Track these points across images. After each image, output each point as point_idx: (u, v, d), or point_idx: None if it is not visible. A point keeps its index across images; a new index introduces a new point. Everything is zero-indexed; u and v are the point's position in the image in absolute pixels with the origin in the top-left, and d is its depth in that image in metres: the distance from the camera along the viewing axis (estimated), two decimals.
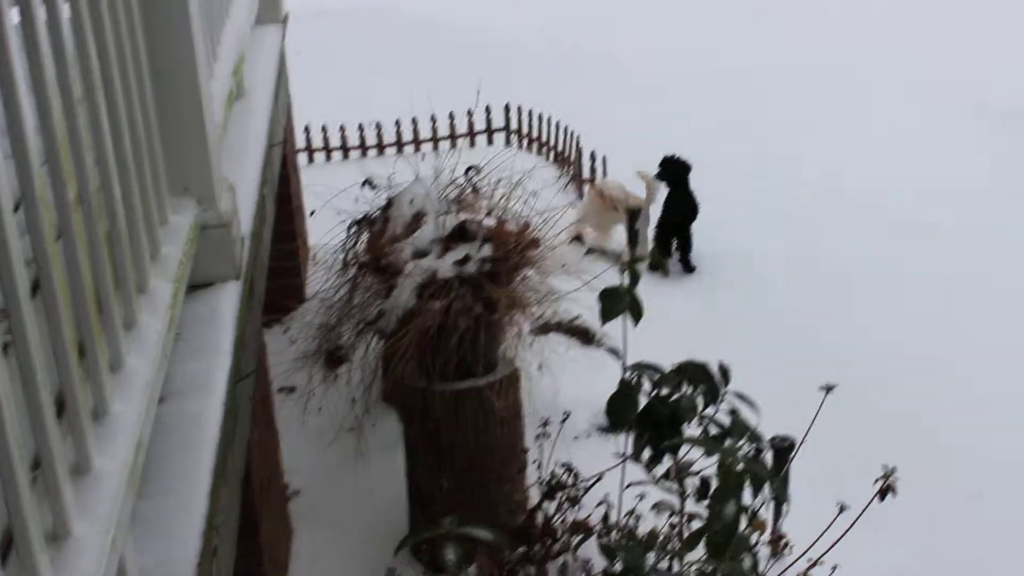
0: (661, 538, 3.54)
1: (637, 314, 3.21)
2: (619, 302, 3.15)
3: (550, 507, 4.76)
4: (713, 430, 3.29)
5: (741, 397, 3.27)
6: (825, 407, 4.60)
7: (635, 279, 3.25)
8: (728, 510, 2.88)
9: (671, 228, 10.84)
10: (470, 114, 12.85)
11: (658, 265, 8.85)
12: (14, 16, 2.14)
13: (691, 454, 3.29)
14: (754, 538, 3.50)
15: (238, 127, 5.14)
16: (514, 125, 13.14)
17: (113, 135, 2.88)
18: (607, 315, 3.18)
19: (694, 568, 3.28)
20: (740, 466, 2.93)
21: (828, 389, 4.35)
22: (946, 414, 8.15)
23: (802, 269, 10.63)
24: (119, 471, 2.46)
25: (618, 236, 11.03)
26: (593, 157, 11.60)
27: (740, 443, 3.08)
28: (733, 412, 3.24)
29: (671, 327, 7.75)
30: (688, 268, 10.75)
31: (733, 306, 10.00)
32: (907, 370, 8.74)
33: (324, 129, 12.78)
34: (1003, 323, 9.67)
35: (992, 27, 17.81)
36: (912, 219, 11.52)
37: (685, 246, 10.78)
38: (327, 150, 12.90)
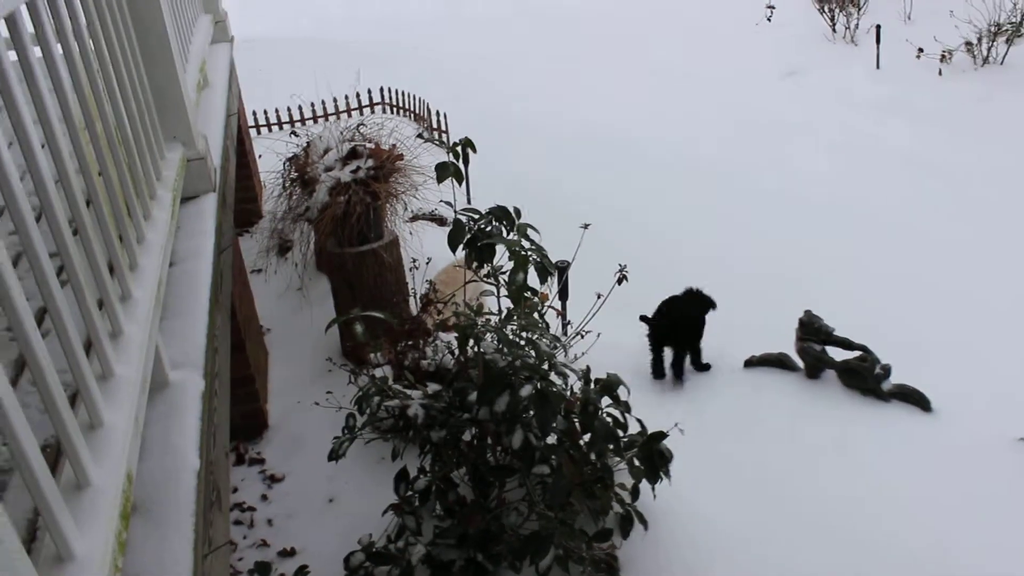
0: (495, 316, 3.63)
1: (459, 178, 3.33)
2: (446, 171, 3.27)
3: (425, 316, 4.90)
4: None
5: (529, 226, 3.40)
6: (588, 243, 4.79)
7: (456, 155, 3.36)
8: (518, 277, 3.04)
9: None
10: (358, 95, 12.76)
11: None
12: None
13: (503, 263, 3.41)
14: (543, 307, 3.67)
15: (206, 103, 5.16)
16: (388, 100, 13.03)
17: (126, 108, 2.92)
18: (440, 178, 3.28)
19: (510, 329, 3.43)
20: (523, 252, 3.07)
21: (585, 227, 4.54)
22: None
23: (561, 160, 10.68)
24: (148, 297, 2.54)
25: None
26: (438, 114, 11.53)
27: (519, 239, 3.21)
28: (525, 235, 3.36)
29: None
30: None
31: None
32: (634, 226, 8.97)
33: (265, 112, 12.60)
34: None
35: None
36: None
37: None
38: (268, 125, 12.71)
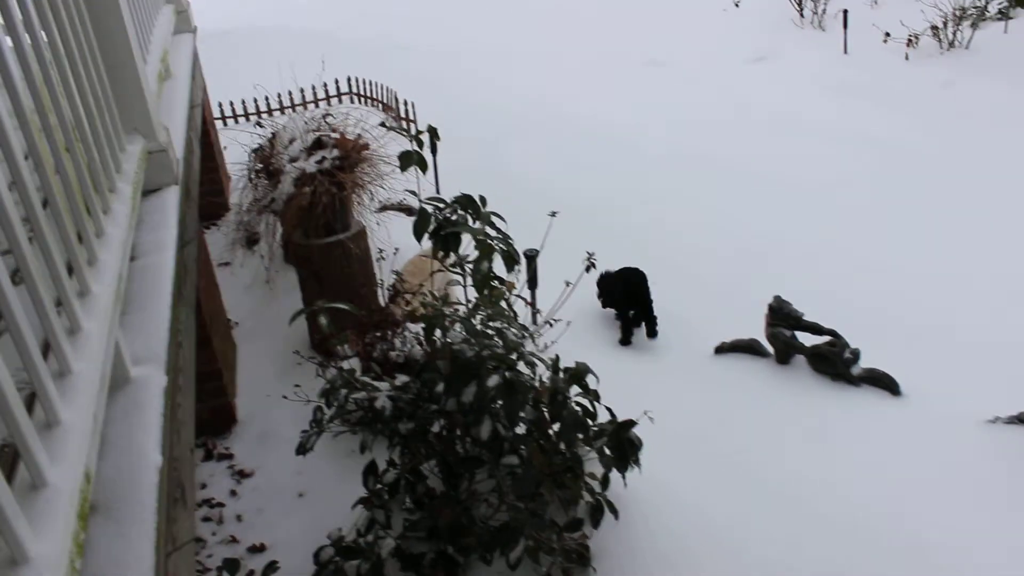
0: (463, 306, 3.60)
1: (423, 166, 3.30)
2: (410, 159, 3.24)
3: (393, 306, 4.87)
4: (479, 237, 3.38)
5: (495, 214, 3.37)
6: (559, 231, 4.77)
7: (420, 144, 3.34)
8: (483, 265, 3.03)
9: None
10: (325, 84, 12.65)
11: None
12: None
13: (469, 251, 3.38)
14: (509, 296, 3.65)
15: (169, 94, 5.10)
16: (356, 90, 12.93)
17: (82, 101, 2.87)
18: (404, 166, 3.25)
19: (479, 318, 3.41)
20: (489, 241, 3.04)
21: (553, 214, 4.52)
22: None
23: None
24: (108, 292, 2.50)
25: None
26: (406, 103, 11.47)
27: (485, 227, 3.18)
28: (491, 223, 3.34)
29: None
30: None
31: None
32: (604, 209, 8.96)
33: (232, 104, 12.47)
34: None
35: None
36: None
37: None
38: (235, 116, 12.58)
